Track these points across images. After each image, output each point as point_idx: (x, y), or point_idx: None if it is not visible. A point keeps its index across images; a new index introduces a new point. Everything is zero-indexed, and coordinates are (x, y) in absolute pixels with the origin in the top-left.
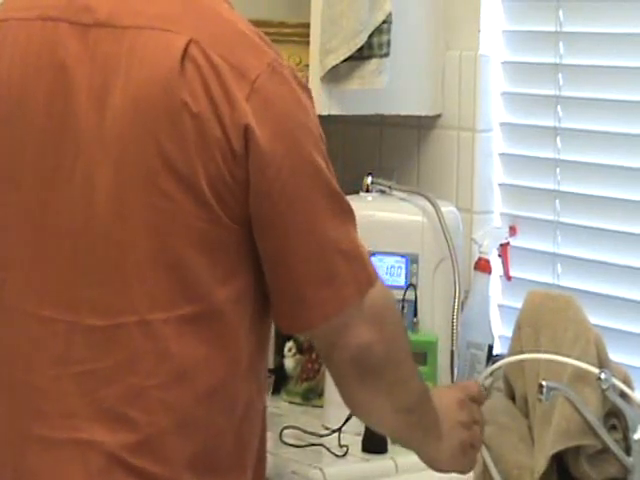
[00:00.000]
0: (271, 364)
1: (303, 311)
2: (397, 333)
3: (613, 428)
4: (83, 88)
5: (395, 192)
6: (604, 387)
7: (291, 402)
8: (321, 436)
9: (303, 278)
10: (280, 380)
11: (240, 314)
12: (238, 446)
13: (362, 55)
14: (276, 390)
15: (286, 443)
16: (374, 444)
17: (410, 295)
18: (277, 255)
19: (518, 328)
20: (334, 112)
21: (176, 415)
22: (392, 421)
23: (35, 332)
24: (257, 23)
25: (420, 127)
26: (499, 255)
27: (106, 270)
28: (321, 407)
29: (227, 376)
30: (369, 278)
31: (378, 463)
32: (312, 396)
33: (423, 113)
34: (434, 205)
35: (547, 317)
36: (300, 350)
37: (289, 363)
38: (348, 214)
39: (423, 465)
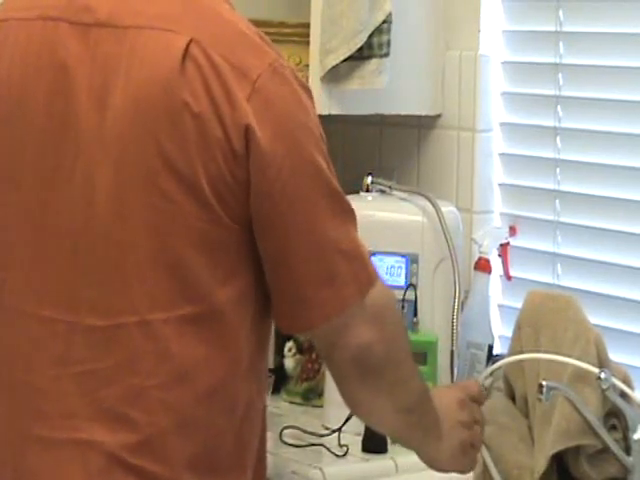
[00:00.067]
0: (271, 364)
1: (304, 311)
2: (397, 333)
3: (613, 428)
4: (83, 88)
5: (395, 192)
6: (604, 387)
7: (291, 402)
8: (321, 436)
9: (304, 278)
10: (280, 380)
11: (240, 314)
12: (238, 446)
13: (362, 55)
14: (276, 390)
15: (286, 443)
16: (374, 444)
17: (410, 295)
18: (278, 255)
19: (518, 328)
20: (334, 112)
21: (176, 415)
22: (392, 421)
23: (35, 332)
24: (257, 23)
25: (420, 127)
26: (499, 255)
27: (106, 270)
28: (321, 407)
29: (227, 376)
30: (370, 278)
31: (378, 463)
32: (312, 396)
33: (423, 113)
34: (434, 205)
35: (547, 317)
36: (300, 350)
37: (289, 363)
38: (348, 214)
39: (423, 465)
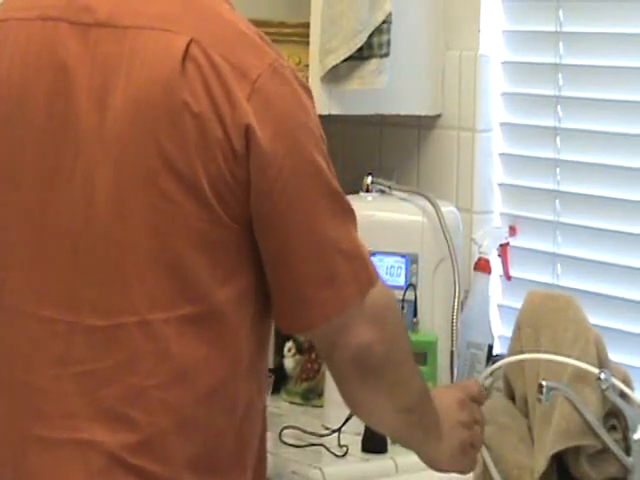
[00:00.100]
0: (271, 364)
1: (304, 311)
2: (398, 333)
3: (613, 428)
4: (83, 88)
5: (395, 192)
6: (604, 387)
7: (291, 402)
8: (321, 436)
9: (304, 278)
10: (280, 380)
11: (241, 314)
12: (238, 446)
13: (362, 55)
14: (276, 390)
15: (286, 443)
16: (374, 444)
17: (410, 295)
18: (278, 255)
19: (518, 328)
20: (334, 112)
21: (176, 415)
22: (392, 421)
23: (35, 332)
24: (257, 23)
25: (420, 127)
26: (499, 255)
27: (106, 270)
28: (321, 407)
29: (227, 376)
30: (370, 278)
31: (378, 463)
32: (312, 396)
33: (423, 113)
34: (434, 205)
35: (547, 317)
36: (300, 350)
37: (289, 363)
38: (349, 214)
39: (423, 465)
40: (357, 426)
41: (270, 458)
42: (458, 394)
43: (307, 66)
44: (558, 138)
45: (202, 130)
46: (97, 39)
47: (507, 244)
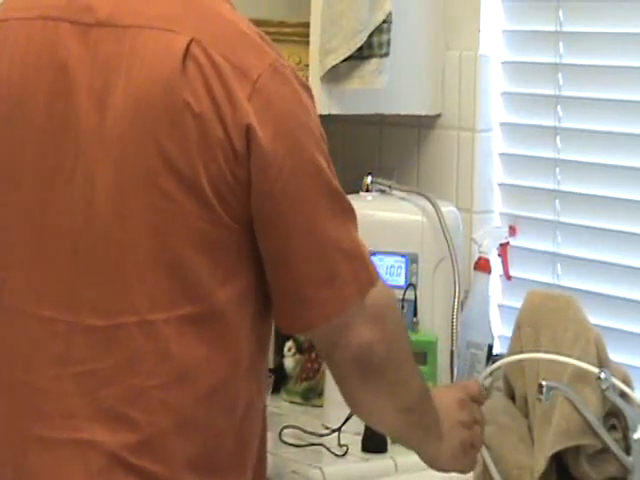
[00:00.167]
0: (271, 364)
1: (304, 311)
2: (398, 333)
3: (613, 428)
4: (84, 88)
5: (395, 192)
6: (604, 387)
7: (291, 402)
8: (321, 436)
9: (304, 278)
10: (280, 380)
11: (241, 314)
12: (238, 446)
13: (362, 55)
14: (276, 390)
15: (286, 443)
16: (374, 444)
17: (410, 295)
18: (278, 255)
19: (518, 328)
20: (334, 112)
21: (176, 415)
22: (393, 420)
23: (35, 332)
24: (257, 23)
25: (420, 127)
26: (499, 255)
27: (106, 270)
28: (321, 407)
29: (228, 376)
30: (370, 278)
31: (378, 463)
32: (312, 396)
33: (423, 113)
34: (434, 205)
35: (547, 317)
36: (300, 350)
37: (289, 363)
38: (349, 214)
39: (423, 465)
40: (357, 426)
41: (270, 458)
42: (458, 394)
43: (307, 66)
44: (558, 138)
45: (203, 130)
46: (97, 39)
47: (507, 244)
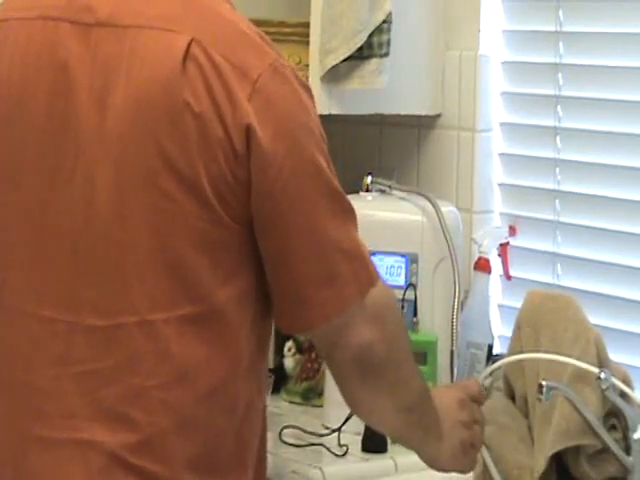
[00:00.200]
0: (271, 364)
1: (304, 311)
2: (398, 332)
3: (613, 428)
4: (84, 88)
5: (395, 192)
6: (604, 387)
7: (291, 402)
8: (321, 436)
9: (304, 278)
10: (280, 380)
11: (241, 314)
12: (238, 446)
13: (362, 55)
14: (276, 390)
15: (286, 443)
16: (374, 444)
17: (410, 295)
18: (278, 255)
19: (518, 328)
20: (334, 112)
21: (176, 415)
22: (393, 420)
23: (35, 332)
24: (257, 22)
25: (420, 127)
26: (499, 255)
27: (106, 270)
28: (321, 407)
29: (228, 376)
30: (370, 277)
31: (378, 463)
32: (312, 396)
33: (423, 113)
34: (434, 205)
35: (547, 317)
36: (300, 350)
37: (289, 363)
38: (349, 214)
39: (423, 465)
40: (357, 426)
41: (270, 458)
42: (458, 394)
43: (307, 66)
44: (558, 138)
45: (203, 130)
46: (98, 39)
47: (507, 244)
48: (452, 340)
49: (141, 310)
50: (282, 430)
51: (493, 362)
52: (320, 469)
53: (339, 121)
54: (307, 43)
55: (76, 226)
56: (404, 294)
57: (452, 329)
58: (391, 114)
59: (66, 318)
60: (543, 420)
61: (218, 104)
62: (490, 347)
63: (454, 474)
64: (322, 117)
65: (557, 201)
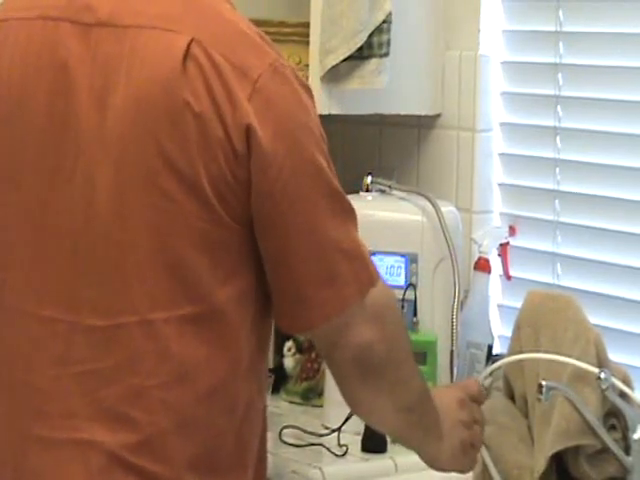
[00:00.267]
0: (271, 363)
1: (304, 311)
2: (398, 332)
3: (612, 428)
4: (84, 88)
5: (395, 192)
6: (604, 387)
7: (291, 402)
8: (321, 435)
9: (304, 278)
10: (280, 379)
11: (241, 314)
12: (239, 446)
13: (362, 55)
14: (276, 389)
15: (286, 443)
16: (374, 444)
17: (410, 295)
18: (278, 255)
19: (518, 328)
20: (334, 112)
21: (177, 415)
22: (393, 420)
23: (35, 332)
24: (257, 22)
25: (420, 127)
26: (499, 255)
27: (106, 270)
28: (321, 407)
29: (228, 376)
30: (370, 277)
31: (378, 463)
32: (312, 395)
33: (423, 113)
34: (434, 205)
35: (547, 317)
36: (300, 349)
37: (289, 362)
38: (349, 213)
39: (423, 465)
40: (357, 426)
41: (270, 458)
42: (458, 393)
43: (307, 66)
44: (558, 138)
45: (203, 130)
46: (98, 39)
47: (507, 244)
48: (452, 340)
49: (141, 310)
50: (282, 430)
51: (493, 362)
52: (320, 469)
53: (339, 121)
54: (307, 43)
55: (76, 226)
56: (404, 294)
57: (452, 329)
58: (391, 114)
59: (66, 318)
60: (543, 420)
61: (218, 104)
62: (490, 347)
63: (454, 474)
64: (322, 117)
65: (557, 201)
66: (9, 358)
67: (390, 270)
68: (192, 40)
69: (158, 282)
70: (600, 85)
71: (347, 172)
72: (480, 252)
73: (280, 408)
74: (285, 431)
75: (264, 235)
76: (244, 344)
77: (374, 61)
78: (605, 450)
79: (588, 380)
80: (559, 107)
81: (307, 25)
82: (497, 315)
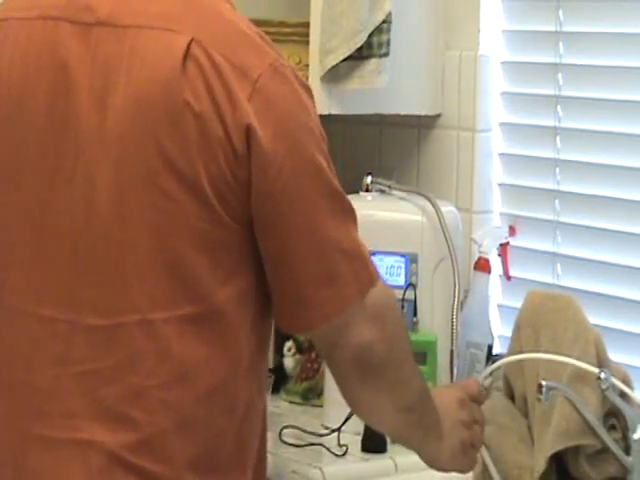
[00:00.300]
0: (271, 363)
1: (304, 311)
2: (398, 332)
3: (612, 428)
4: (84, 88)
5: (395, 192)
6: (603, 387)
7: (291, 401)
8: (321, 435)
9: (304, 278)
10: (280, 379)
11: (241, 314)
12: (238, 446)
13: (362, 55)
14: (275, 389)
15: (286, 442)
16: (374, 443)
17: (410, 295)
18: (278, 255)
19: (518, 328)
20: (334, 112)
21: (177, 415)
22: (393, 420)
23: (35, 332)
24: (257, 22)
25: (420, 127)
26: (499, 255)
27: (106, 270)
28: (320, 406)
29: (228, 376)
30: (370, 277)
31: (377, 463)
32: (311, 395)
33: (423, 113)
34: (434, 205)
35: (547, 317)
36: (300, 349)
37: (289, 362)
38: (349, 213)
39: (422, 465)
40: (357, 426)
41: (270, 458)
42: (458, 393)
43: (307, 66)
44: (558, 138)
45: (203, 130)
46: (98, 39)
47: (507, 244)
48: (452, 340)
49: (141, 310)
50: (282, 430)
51: (493, 362)
52: (320, 469)
53: (339, 121)
54: (307, 43)
55: (76, 226)
56: (404, 294)
57: (452, 329)
58: (391, 114)
59: (66, 318)
60: (543, 420)
61: (218, 104)
62: (490, 347)
63: (454, 474)
64: (322, 117)
65: (557, 201)
66: (9, 358)
67: (390, 270)
68: (192, 40)
69: (158, 282)
70: (600, 85)
71: (347, 172)
72: (480, 252)
73: (280, 408)
74: (285, 431)
75: (264, 235)
76: (244, 344)
77: (374, 61)
78: (605, 450)
79: (588, 380)
80: (559, 107)
81: (307, 25)
82: (497, 315)
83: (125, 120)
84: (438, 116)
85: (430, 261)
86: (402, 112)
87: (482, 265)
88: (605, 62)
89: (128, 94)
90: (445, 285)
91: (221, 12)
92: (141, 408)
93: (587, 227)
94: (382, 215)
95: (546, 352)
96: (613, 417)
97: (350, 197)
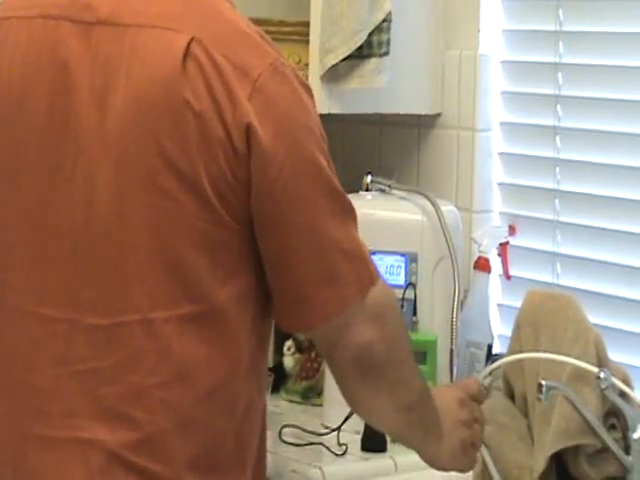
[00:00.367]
0: (270, 363)
1: (304, 311)
2: (398, 332)
3: (612, 427)
4: (84, 88)
5: (395, 191)
6: (603, 386)
7: (290, 401)
8: (320, 435)
9: (304, 278)
10: (279, 379)
11: (241, 314)
12: (238, 446)
13: (362, 54)
14: (275, 389)
15: (285, 442)
16: (373, 443)
17: (409, 294)
18: (278, 255)
19: (518, 327)
20: (334, 111)
21: (177, 415)
22: (393, 420)
23: (35, 331)
24: (257, 22)
25: (420, 126)
26: (499, 254)
27: (106, 270)
28: (320, 406)
29: (228, 376)
30: (371, 277)
31: (377, 462)
32: (311, 395)
33: (423, 112)
34: (434, 204)
35: (547, 317)
36: (299, 349)
37: (288, 362)
38: (349, 213)
39: (422, 464)
40: (357, 425)
41: (270, 457)
42: (458, 393)
43: (307, 65)
44: (558, 137)
45: (203, 129)
46: (98, 38)
47: (507, 243)
48: (452, 339)
49: (141, 309)
50: (282, 429)
51: (493, 362)
52: (320, 468)
53: (339, 120)
54: (307, 42)
55: (76, 226)
56: (404, 293)
57: (452, 328)
58: (391, 113)
59: (66, 317)
60: (543, 420)
61: (218, 103)
62: (490, 346)
63: (454, 473)
64: (322, 116)
65: (557, 201)
66: (9, 358)
67: (390, 269)
68: (192, 39)
69: (158, 282)
70: (600, 85)
71: (347, 171)
72: (480, 251)
73: (280, 407)
74: (285, 430)
75: (264, 235)
76: (244, 344)
77: (374, 60)
78: (605, 450)
79: (588, 380)
80: (559, 106)
81: (307, 24)
82: (497, 315)
83: (125, 120)
84: (438, 115)
85: (430, 260)
86: (402, 111)
87: (482, 264)
88: (605, 62)
89: (128, 94)
90: (445, 284)
91: (221, 11)
92: (141, 407)
93: (587, 227)
94: (382, 214)
95: (546, 352)
96: (613, 417)
97: (350, 196)
